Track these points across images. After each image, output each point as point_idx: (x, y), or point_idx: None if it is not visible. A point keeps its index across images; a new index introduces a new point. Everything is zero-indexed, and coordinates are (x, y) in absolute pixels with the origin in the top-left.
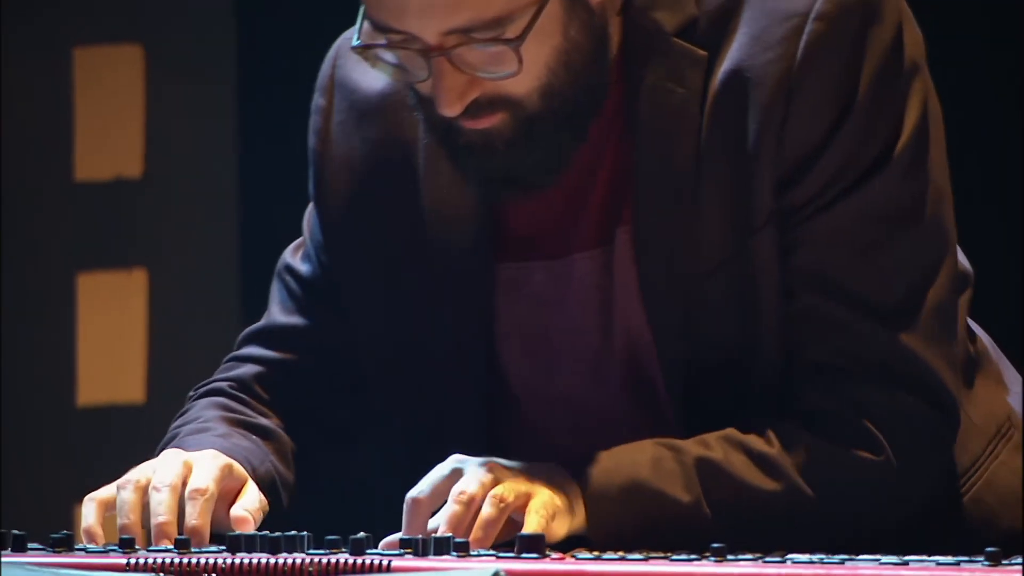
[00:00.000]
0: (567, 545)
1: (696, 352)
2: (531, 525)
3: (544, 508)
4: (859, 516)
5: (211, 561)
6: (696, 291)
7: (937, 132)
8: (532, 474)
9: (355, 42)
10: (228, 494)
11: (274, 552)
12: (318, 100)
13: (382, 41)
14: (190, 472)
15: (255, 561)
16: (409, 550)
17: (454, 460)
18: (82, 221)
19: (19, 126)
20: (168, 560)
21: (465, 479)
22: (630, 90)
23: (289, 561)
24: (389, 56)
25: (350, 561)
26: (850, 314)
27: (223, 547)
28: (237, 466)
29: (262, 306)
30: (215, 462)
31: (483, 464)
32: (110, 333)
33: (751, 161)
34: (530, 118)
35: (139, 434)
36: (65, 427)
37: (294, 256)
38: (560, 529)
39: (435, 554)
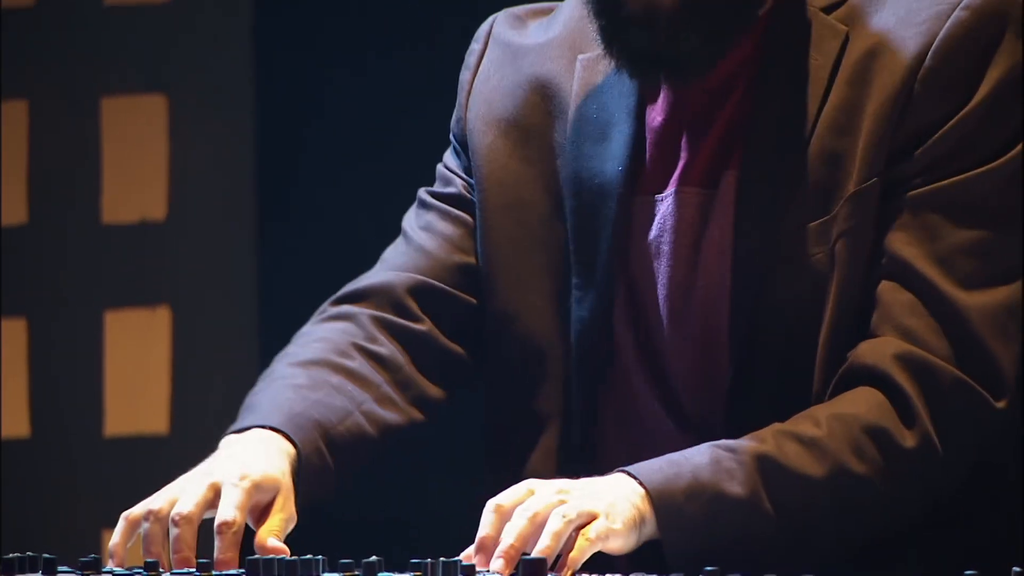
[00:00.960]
0: (646, 550)
1: (766, 315)
2: (578, 548)
3: (596, 532)
4: (901, 494)
5: None
6: (785, 246)
7: None
8: (600, 493)
9: None
10: (257, 509)
11: (291, 575)
12: (474, 46)
13: None
14: (216, 496)
15: None
16: (418, 573)
17: (529, 481)
18: (109, 261)
19: (50, 171)
20: None
21: (534, 499)
22: (769, 44)
23: None
24: None
25: None
26: (932, 282)
27: (243, 570)
28: (268, 477)
29: (280, 341)
30: (242, 485)
31: (554, 485)
32: (135, 367)
33: (871, 129)
34: None
35: (162, 463)
36: (93, 456)
37: (434, 188)
38: (626, 544)
39: None
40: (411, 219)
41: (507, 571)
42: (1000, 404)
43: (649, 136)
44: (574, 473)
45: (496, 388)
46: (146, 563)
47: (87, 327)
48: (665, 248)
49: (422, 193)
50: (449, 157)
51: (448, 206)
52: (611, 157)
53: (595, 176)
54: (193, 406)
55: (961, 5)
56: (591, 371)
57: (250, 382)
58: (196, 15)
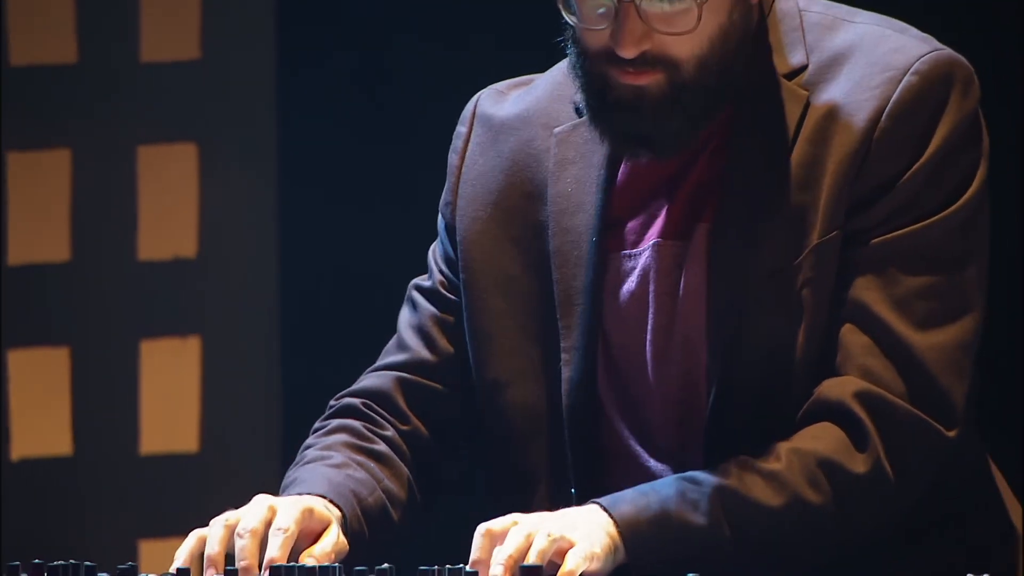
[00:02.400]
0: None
1: (740, 355)
2: (567, 564)
3: (581, 555)
4: (854, 520)
5: None
6: (754, 293)
7: (986, 221)
8: (576, 523)
9: None
10: (309, 534)
11: None
12: (460, 129)
13: None
14: (274, 515)
15: None
16: None
17: (513, 516)
18: (144, 295)
19: (90, 213)
20: None
21: (524, 523)
22: (737, 108)
23: None
24: (573, 1)
25: None
26: (889, 326)
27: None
28: (320, 511)
29: (301, 368)
30: (297, 506)
31: (535, 516)
32: (168, 392)
33: (832, 184)
34: (681, 84)
35: (192, 479)
36: (130, 472)
37: (419, 281)
38: (603, 568)
39: None
40: (402, 318)
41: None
42: (951, 434)
43: (623, 199)
44: None
45: (491, 449)
46: (177, 570)
47: (124, 355)
48: (646, 296)
49: (411, 290)
50: (436, 246)
51: (429, 303)
52: (584, 229)
53: (574, 248)
54: (221, 427)
55: (911, 71)
56: (582, 427)
57: (272, 405)
58: (224, 71)
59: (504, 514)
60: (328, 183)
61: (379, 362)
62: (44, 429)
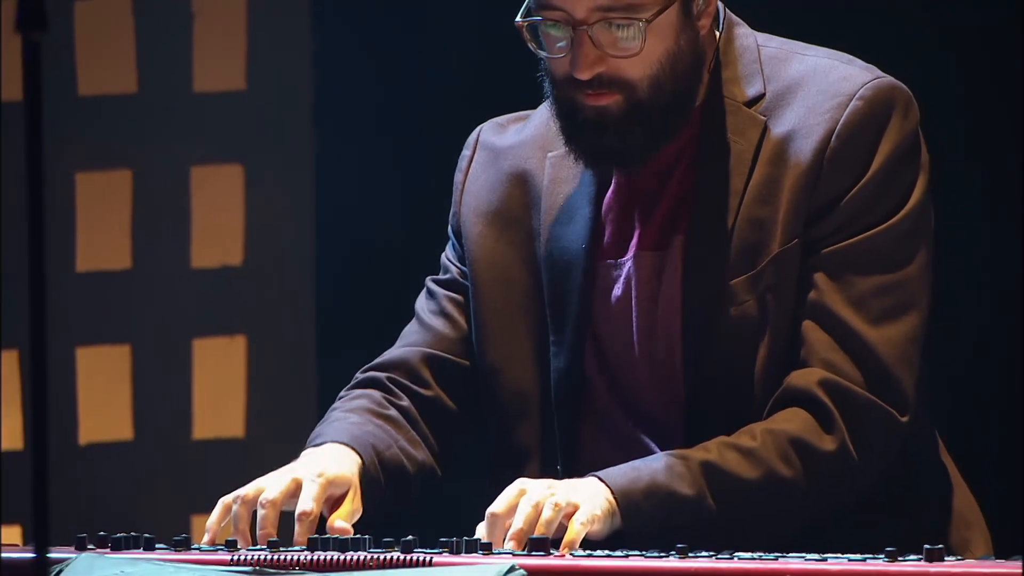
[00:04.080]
0: (612, 540)
1: (711, 349)
2: (571, 532)
3: (584, 517)
4: (822, 492)
5: (296, 557)
6: (723, 296)
7: (929, 227)
8: (579, 489)
9: (517, 19)
10: (331, 501)
11: (343, 551)
12: (464, 152)
13: (539, 17)
14: (297, 488)
15: (329, 557)
16: (447, 549)
17: (520, 482)
18: (197, 299)
19: (149, 226)
20: (263, 557)
21: (531, 494)
22: (704, 133)
23: (354, 557)
24: (540, 36)
25: (401, 557)
26: (847, 323)
27: (305, 547)
28: (341, 476)
29: (334, 363)
30: (319, 481)
31: (543, 483)
32: (217, 384)
33: (790, 200)
34: (639, 102)
35: (239, 461)
36: (183, 455)
37: (434, 276)
38: (602, 529)
39: (467, 552)
40: (421, 303)
41: (519, 548)
42: (904, 419)
43: (609, 213)
44: None
45: (489, 426)
46: (227, 541)
47: (178, 352)
48: (630, 301)
49: (428, 281)
50: (448, 249)
51: (447, 291)
52: (576, 237)
53: (564, 253)
54: (264, 415)
55: (856, 96)
56: (568, 410)
57: (309, 396)
58: (267, 100)
59: (499, 487)
60: (359, 199)
61: (400, 342)
62: (108, 417)
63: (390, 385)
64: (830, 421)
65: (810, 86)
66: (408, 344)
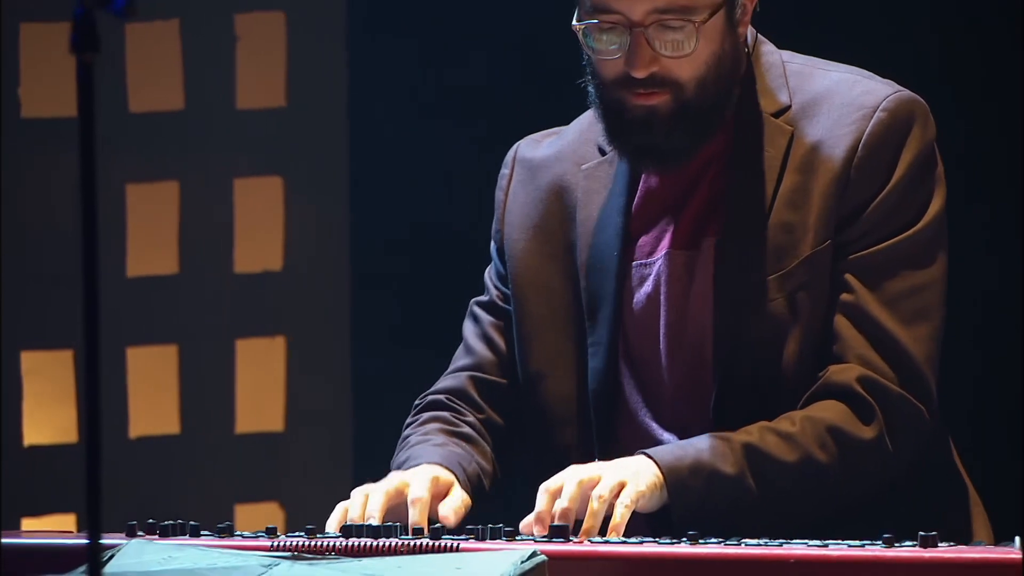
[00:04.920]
0: (657, 515)
1: (740, 346)
2: (616, 517)
3: (628, 498)
4: (856, 479)
5: (332, 543)
6: (753, 295)
7: (946, 235)
8: (626, 466)
9: (573, 23)
10: (438, 496)
11: (375, 537)
12: (503, 171)
13: (595, 20)
14: (406, 486)
15: (363, 543)
16: (472, 536)
17: (571, 468)
18: (239, 302)
19: (195, 233)
20: (300, 542)
21: (580, 471)
22: (735, 140)
23: (386, 543)
24: (593, 37)
25: (430, 543)
26: (878, 322)
27: (340, 535)
28: (444, 475)
29: (367, 363)
30: (427, 474)
31: (591, 467)
32: (259, 382)
33: (820, 205)
34: (686, 102)
35: (279, 454)
36: (227, 448)
37: (478, 298)
38: (649, 504)
39: (491, 539)
40: (467, 327)
41: (566, 521)
42: (930, 415)
43: (640, 217)
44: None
45: (532, 428)
46: (267, 528)
47: (222, 352)
48: (661, 298)
49: (472, 305)
50: (491, 268)
51: (488, 314)
52: (609, 245)
53: (599, 262)
54: (302, 411)
55: (880, 108)
56: (604, 410)
57: (344, 392)
58: (305, 117)
59: (543, 479)
60: (391, 208)
61: (451, 367)
62: (156, 413)
63: (453, 405)
64: (870, 414)
65: (834, 99)
66: (458, 369)
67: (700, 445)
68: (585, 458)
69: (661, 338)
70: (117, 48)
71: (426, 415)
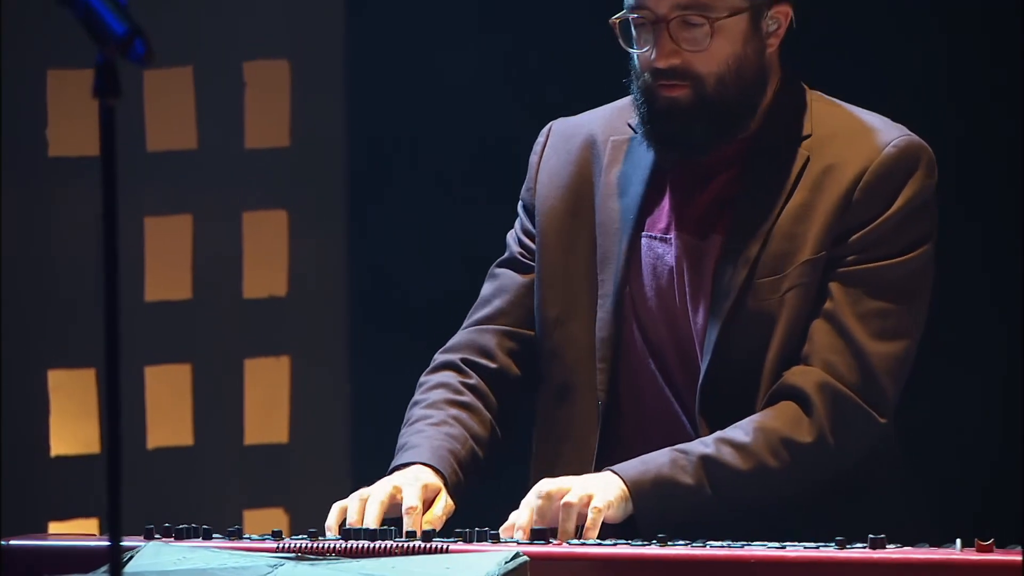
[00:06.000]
0: (624, 525)
1: (730, 334)
2: (590, 519)
3: (600, 502)
4: (803, 479)
5: (333, 545)
6: (748, 292)
7: (931, 276)
8: (594, 481)
9: (612, 18)
10: (427, 502)
11: (372, 539)
12: (539, 140)
13: (629, 15)
14: (399, 492)
15: (361, 545)
16: (461, 539)
17: (541, 483)
18: (247, 324)
19: (207, 262)
20: (304, 544)
21: (548, 487)
22: (755, 150)
23: (382, 545)
24: (630, 32)
25: (422, 545)
26: (851, 336)
27: (340, 537)
28: (432, 482)
29: (365, 381)
30: (417, 484)
31: (561, 481)
32: (266, 398)
33: (822, 220)
34: (705, 96)
35: (284, 463)
36: (236, 459)
37: (498, 260)
38: (617, 514)
39: (478, 542)
40: (485, 287)
41: (525, 537)
42: (883, 420)
43: (657, 194)
44: (602, 432)
45: (545, 368)
46: (272, 532)
47: (232, 370)
48: (663, 274)
49: (492, 268)
50: (516, 225)
51: (507, 268)
52: (626, 208)
53: (614, 222)
54: (305, 424)
55: (890, 144)
56: (610, 352)
57: (344, 407)
58: (308, 156)
59: (552, 420)
60: (386, 240)
61: (468, 321)
62: (172, 425)
63: (462, 365)
64: (816, 417)
65: (851, 134)
66: (475, 323)
67: (661, 460)
68: (591, 396)
69: (665, 312)
70: (136, 93)
71: (435, 379)
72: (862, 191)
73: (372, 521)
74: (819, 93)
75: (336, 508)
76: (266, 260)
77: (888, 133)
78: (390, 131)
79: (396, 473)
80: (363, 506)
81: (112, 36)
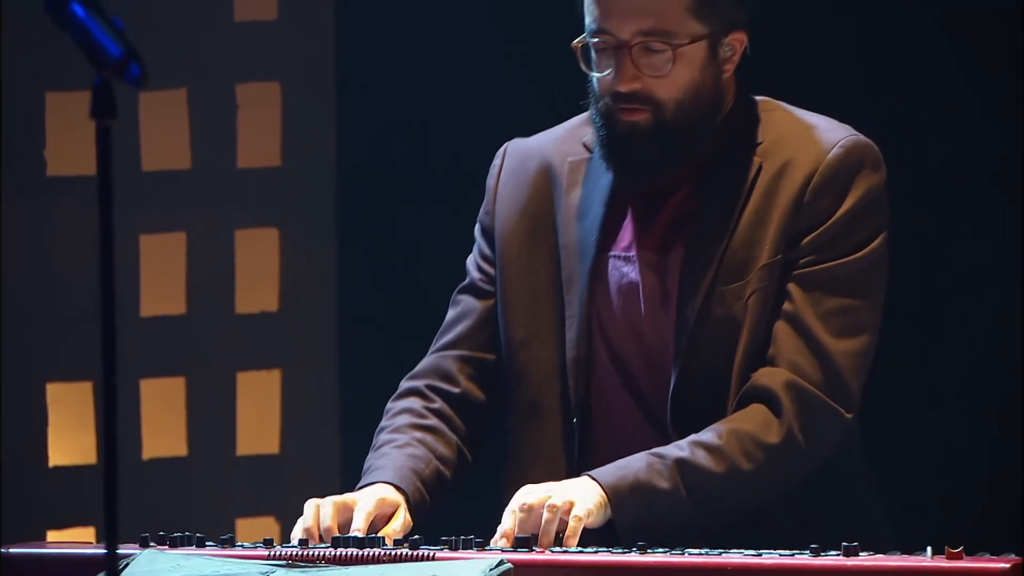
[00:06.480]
0: (604, 530)
1: (697, 343)
2: (570, 527)
3: (581, 511)
4: (775, 478)
5: (322, 553)
6: (713, 299)
7: (886, 271)
8: (574, 488)
9: (574, 42)
10: (384, 517)
11: (360, 547)
12: (495, 162)
13: (591, 39)
14: (355, 503)
15: (350, 553)
16: (447, 546)
17: (523, 491)
18: (240, 339)
19: (200, 278)
20: (294, 552)
21: (528, 498)
22: (710, 167)
23: (370, 553)
24: (591, 57)
25: (409, 553)
26: (813, 336)
27: (329, 544)
28: (391, 496)
29: (354, 394)
30: (373, 497)
31: (540, 488)
32: (257, 410)
33: (777, 224)
34: (664, 121)
35: (275, 473)
36: (229, 468)
37: (460, 286)
38: (596, 520)
39: (463, 549)
40: (449, 312)
41: (509, 545)
42: (849, 415)
43: (618, 214)
44: (569, 448)
45: (513, 392)
46: (264, 540)
47: (225, 383)
48: (629, 291)
49: (454, 293)
50: (474, 251)
51: (468, 295)
52: (588, 230)
53: (577, 244)
54: (296, 435)
55: (837, 145)
56: (580, 374)
57: (333, 419)
58: (298, 175)
59: (520, 440)
60: (374, 257)
61: (433, 347)
62: (166, 436)
63: (426, 391)
64: (785, 417)
65: (798, 137)
66: (439, 348)
67: (638, 465)
68: (564, 416)
69: (634, 329)
70: (132, 114)
71: (400, 405)
72: (812, 193)
73: (327, 519)
74: (770, 101)
75: (300, 522)
76: (258, 276)
77: (834, 134)
78: (379, 151)
79: (362, 491)
80: (317, 511)
81: (109, 59)
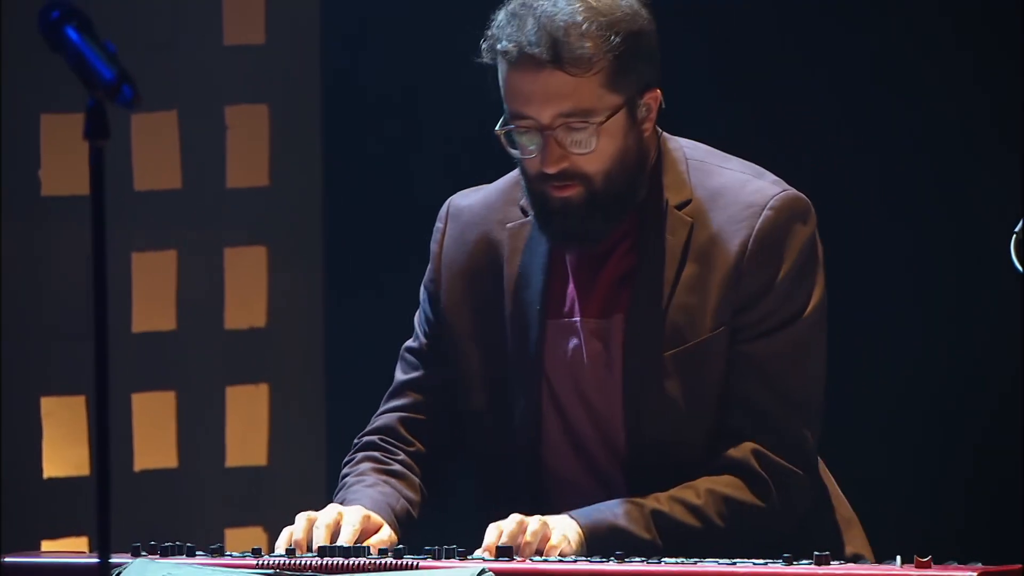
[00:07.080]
0: None
1: (647, 408)
2: (552, 540)
3: (560, 536)
4: (747, 539)
5: (309, 562)
6: (656, 366)
7: (825, 312)
8: (558, 524)
9: (496, 128)
10: (368, 533)
11: (346, 556)
12: (438, 225)
13: (513, 126)
14: (342, 517)
15: (336, 562)
16: (430, 556)
17: (513, 516)
18: (229, 354)
19: (190, 295)
20: (283, 561)
21: (516, 516)
22: (643, 224)
23: (356, 562)
24: (515, 140)
25: (393, 562)
26: (771, 404)
27: (316, 554)
28: (375, 516)
29: (340, 407)
30: (357, 515)
31: (533, 518)
32: (246, 423)
33: (717, 293)
34: (595, 192)
35: (263, 485)
36: (218, 480)
37: (408, 343)
38: (572, 553)
39: (446, 558)
40: (397, 372)
41: (491, 554)
42: (809, 475)
43: (558, 280)
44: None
45: (472, 455)
46: (252, 549)
47: (214, 397)
48: (575, 358)
49: (402, 350)
50: (419, 313)
51: (414, 357)
52: (532, 299)
53: (524, 315)
54: (283, 448)
55: (767, 207)
56: (530, 444)
57: (319, 432)
58: (286, 194)
59: (485, 488)
60: (360, 277)
61: (383, 407)
62: (157, 449)
63: (382, 444)
64: (764, 487)
65: (728, 196)
66: (389, 410)
67: (616, 511)
68: (520, 490)
69: (580, 394)
70: (124, 135)
71: (361, 455)
72: (749, 262)
73: (321, 540)
74: (691, 144)
75: (285, 531)
76: (246, 293)
77: (762, 193)
78: (365, 171)
79: (345, 508)
80: (310, 525)
81: (102, 82)
